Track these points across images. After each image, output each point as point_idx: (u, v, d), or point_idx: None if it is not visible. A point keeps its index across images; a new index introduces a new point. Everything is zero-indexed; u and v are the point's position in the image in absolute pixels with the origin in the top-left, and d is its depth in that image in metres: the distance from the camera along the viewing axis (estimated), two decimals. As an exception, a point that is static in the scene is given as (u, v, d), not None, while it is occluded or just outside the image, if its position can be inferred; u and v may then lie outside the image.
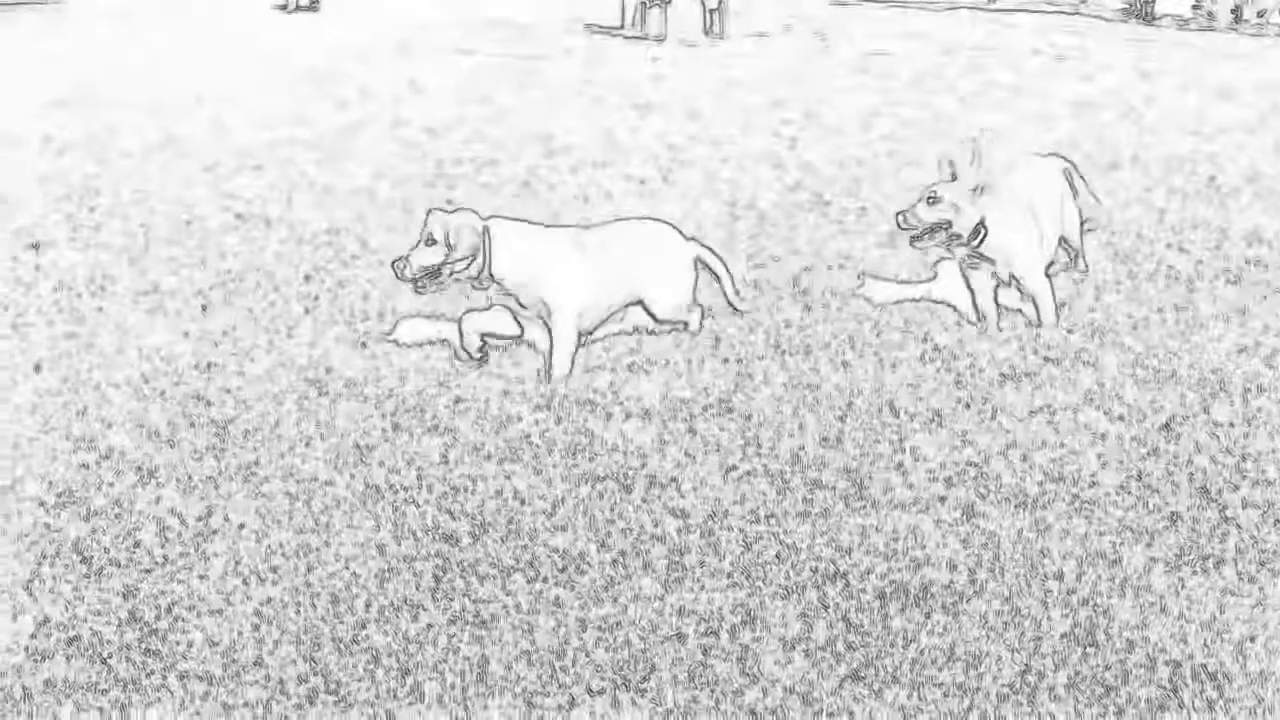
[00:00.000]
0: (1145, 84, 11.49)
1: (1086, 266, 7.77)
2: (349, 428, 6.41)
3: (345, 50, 11.98)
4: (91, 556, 5.59)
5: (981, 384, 6.80)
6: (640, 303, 7.06)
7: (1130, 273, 7.86)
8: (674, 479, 6.10)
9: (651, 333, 7.15)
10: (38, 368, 6.84)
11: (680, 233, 7.15)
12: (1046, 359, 6.98)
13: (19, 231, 8.24)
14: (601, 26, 12.27)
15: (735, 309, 7.23)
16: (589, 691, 4.97)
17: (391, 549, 5.66)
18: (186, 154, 9.49)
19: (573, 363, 6.87)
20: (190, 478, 6.06)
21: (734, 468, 6.18)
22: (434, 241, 6.69)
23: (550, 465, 6.17)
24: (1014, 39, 13.07)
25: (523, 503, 5.94)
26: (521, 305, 6.88)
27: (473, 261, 6.73)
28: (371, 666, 5.10)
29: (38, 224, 8.34)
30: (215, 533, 5.74)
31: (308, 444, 6.29)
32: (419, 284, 6.74)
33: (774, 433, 6.43)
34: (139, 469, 6.11)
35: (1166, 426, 6.46)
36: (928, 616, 5.34)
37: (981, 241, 7.04)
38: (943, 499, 5.99)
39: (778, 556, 5.66)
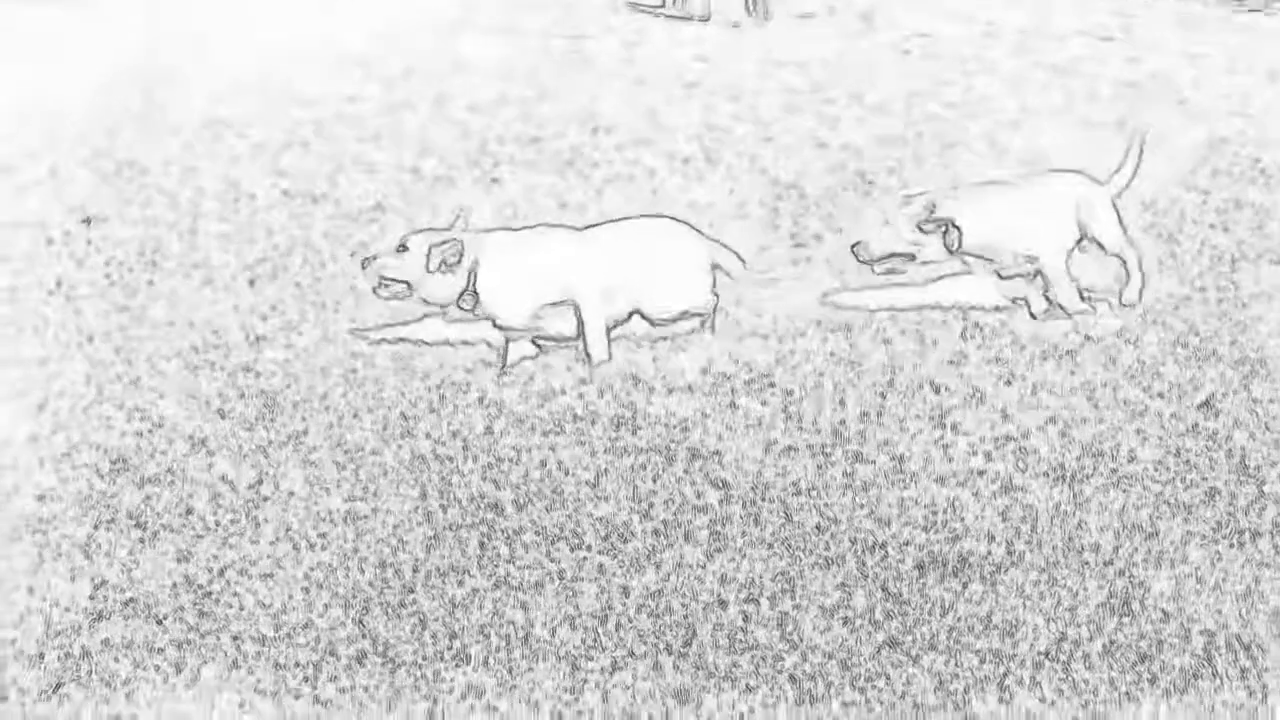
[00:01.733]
0: (1192, 66, 11.48)
1: (1135, 297, 7.42)
2: (395, 400, 6.51)
3: (391, 29, 12.07)
4: (146, 522, 5.71)
5: (1022, 361, 6.85)
6: (638, 311, 6.85)
7: (1173, 253, 7.89)
8: (716, 451, 6.19)
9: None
10: (90, 339, 6.97)
11: (696, 231, 7.03)
12: (1087, 337, 7.03)
13: (71, 207, 8.36)
14: (644, 6, 12.33)
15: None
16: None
17: (438, 517, 5.76)
18: (234, 131, 9.60)
19: (609, 345, 6.81)
20: (241, 447, 6.18)
21: (775, 441, 6.26)
22: (405, 250, 6.64)
23: (594, 437, 6.27)
24: (1059, 20, 13.06)
25: (566, 473, 6.04)
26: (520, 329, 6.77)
27: (457, 284, 6.62)
28: (419, 629, 5.21)
29: (89, 199, 8.46)
30: (266, 500, 5.85)
31: (355, 415, 6.40)
32: (379, 289, 6.69)
33: (815, 408, 6.50)
34: (191, 438, 6.23)
35: (1206, 404, 6.51)
36: (965, 586, 5.42)
37: (959, 245, 7.04)
38: (981, 473, 6.06)
39: (818, 527, 5.74)
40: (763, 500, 5.90)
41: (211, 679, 5.02)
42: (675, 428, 6.35)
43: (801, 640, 5.21)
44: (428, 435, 6.27)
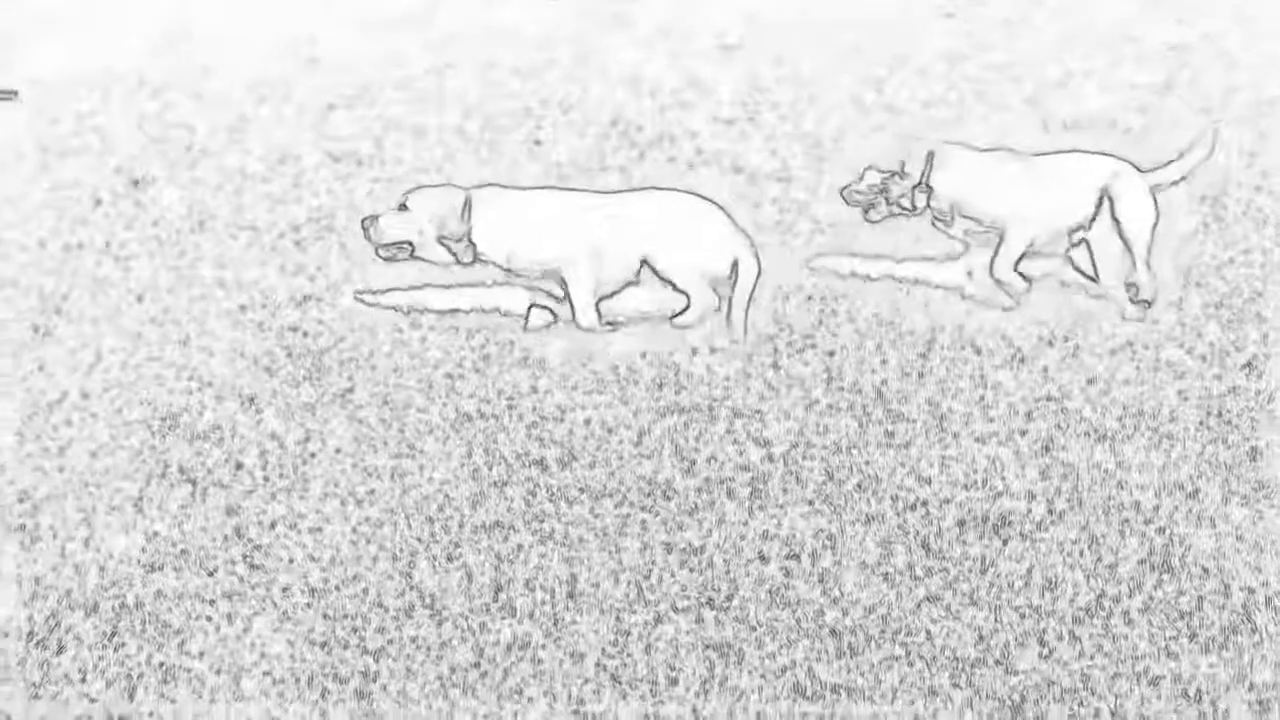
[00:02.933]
0: (1240, 28, 11.41)
1: (1148, 301, 7.05)
2: (440, 359, 6.58)
3: (435, -7, 12.09)
4: (196, 478, 5.80)
5: (1064, 321, 6.87)
6: (649, 265, 6.76)
7: (1216, 215, 7.88)
8: (758, 410, 6.24)
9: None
10: (140, 298, 7.05)
11: (726, 216, 6.94)
12: (1131, 300, 7.03)
13: (119, 169, 8.44)
14: (688, -30, 12.32)
15: (728, 330, 6.70)
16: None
17: (483, 473, 5.84)
18: (280, 93, 9.67)
19: (599, 311, 6.71)
20: (289, 405, 6.26)
21: (816, 401, 6.31)
22: (405, 209, 6.70)
23: (637, 396, 6.33)
24: (1104, -18, 12.98)
25: (610, 431, 6.10)
26: (521, 275, 6.78)
27: (455, 240, 6.66)
28: (465, 583, 5.29)
29: (136, 161, 8.54)
30: (314, 456, 5.93)
31: (400, 374, 6.47)
32: (382, 251, 6.74)
33: (856, 368, 6.54)
34: (239, 396, 6.31)
35: (1248, 365, 6.51)
36: (1005, 543, 5.47)
37: (929, 201, 6.99)
38: (1023, 432, 6.10)
39: (859, 485, 5.79)
40: (804, 459, 5.95)
41: (262, 629, 5.11)
42: (716, 386, 6.40)
43: (842, 595, 5.26)
44: (472, 395, 6.34)
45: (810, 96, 9.54)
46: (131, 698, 4.84)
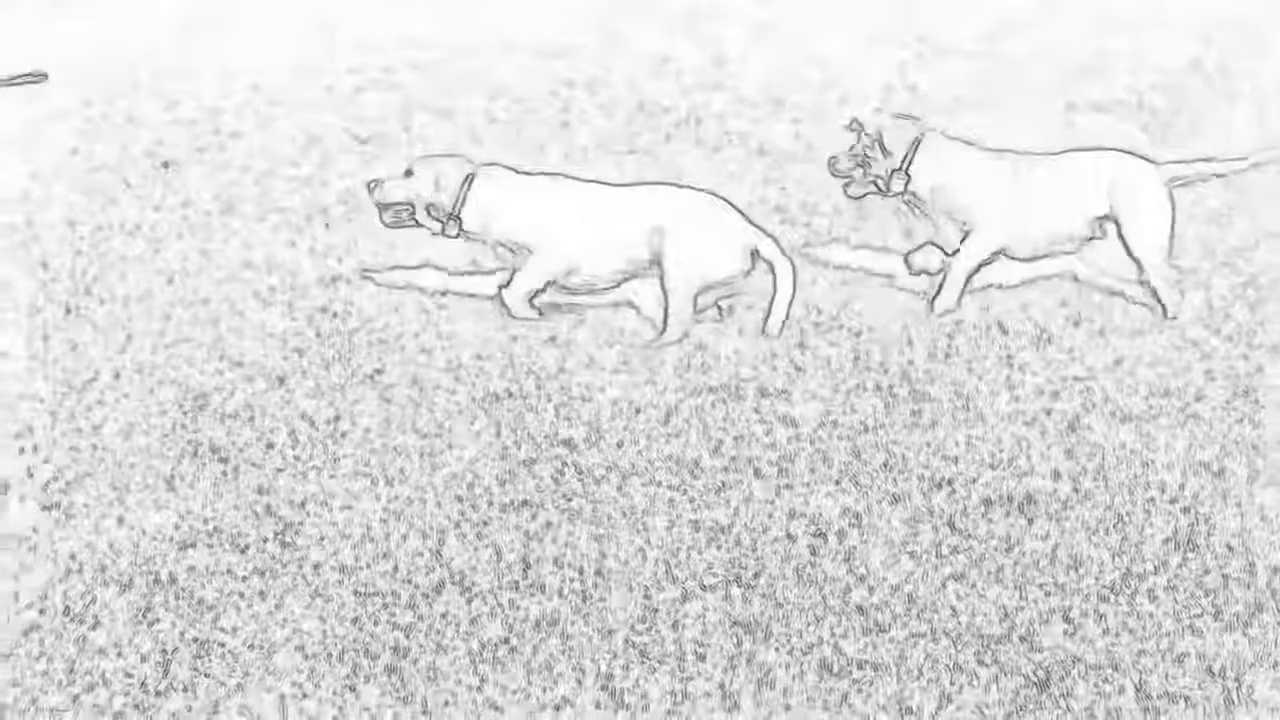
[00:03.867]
0: (1273, 4, 11.37)
1: (1164, 309, 6.78)
2: (468, 339, 6.63)
3: (461, -24, 12.12)
4: (228, 457, 5.86)
5: (1090, 303, 6.88)
6: (656, 264, 6.65)
7: (1244, 198, 7.87)
8: (784, 390, 6.27)
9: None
10: (170, 279, 7.11)
11: (738, 212, 6.81)
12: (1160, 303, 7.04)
13: (148, 151, 8.49)
14: (714, -48, 12.32)
15: (764, 331, 6.61)
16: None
17: (512, 452, 5.88)
18: (308, 75, 9.71)
19: (530, 304, 6.61)
20: (318, 385, 6.31)
21: (843, 381, 6.34)
22: (410, 174, 6.75)
23: (664, 375, 6.36)
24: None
25: (638, 411, 6.14)
26: (503, 254, 6.74)
27: (441, 213, 6.66)
28: (495, 560, 5.34)
29: (163, 144, 8.59)
30: (344, 435, 5.99)
31: (429, 354, 6.52)
32: (385, 214, 6.78)
33: (883, 349, 6.57)
34: (269, 376, 6.37)
35: (1276, 346, 6.52)
36: (1031, 522, 5.49)
37: (906, 187, 6.82)
38: (1049, 412, 6.12)
39: (885, 465, 5.82)
40: (830, 438, 5.99)
41: (294, 605, 5.17)
42: (743, 366, 6.43)
43: (869, 573, 5.30)
44: (501, 375, 6.38)
45: (836, 80, 9.55)
46: (166, 672, 4.90)
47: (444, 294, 6.83)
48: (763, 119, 8.93)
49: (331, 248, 7.47)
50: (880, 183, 6.76)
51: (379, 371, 6.39)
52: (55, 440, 5.94)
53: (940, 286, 6.62)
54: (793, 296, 6.62)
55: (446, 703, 4.82)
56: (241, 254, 7.34)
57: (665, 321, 6.51)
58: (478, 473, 5.77)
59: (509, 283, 6.66)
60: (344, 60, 9.95)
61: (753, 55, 9.98)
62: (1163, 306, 6.71)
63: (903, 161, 6.74)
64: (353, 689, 4.85)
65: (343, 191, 8.16)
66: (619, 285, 6.68)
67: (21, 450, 5.86)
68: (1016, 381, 6.33)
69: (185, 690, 4.84)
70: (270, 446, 5.92)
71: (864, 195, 6.83)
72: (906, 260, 6.85)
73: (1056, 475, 5.73)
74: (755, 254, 6.68)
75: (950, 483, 5.71)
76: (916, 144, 6.79)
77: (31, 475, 5.72)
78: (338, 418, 6.09)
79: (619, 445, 5.94)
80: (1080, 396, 6.22)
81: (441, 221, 6.69)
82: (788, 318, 6.62)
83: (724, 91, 9.36)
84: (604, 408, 6.17)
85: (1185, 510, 5.50)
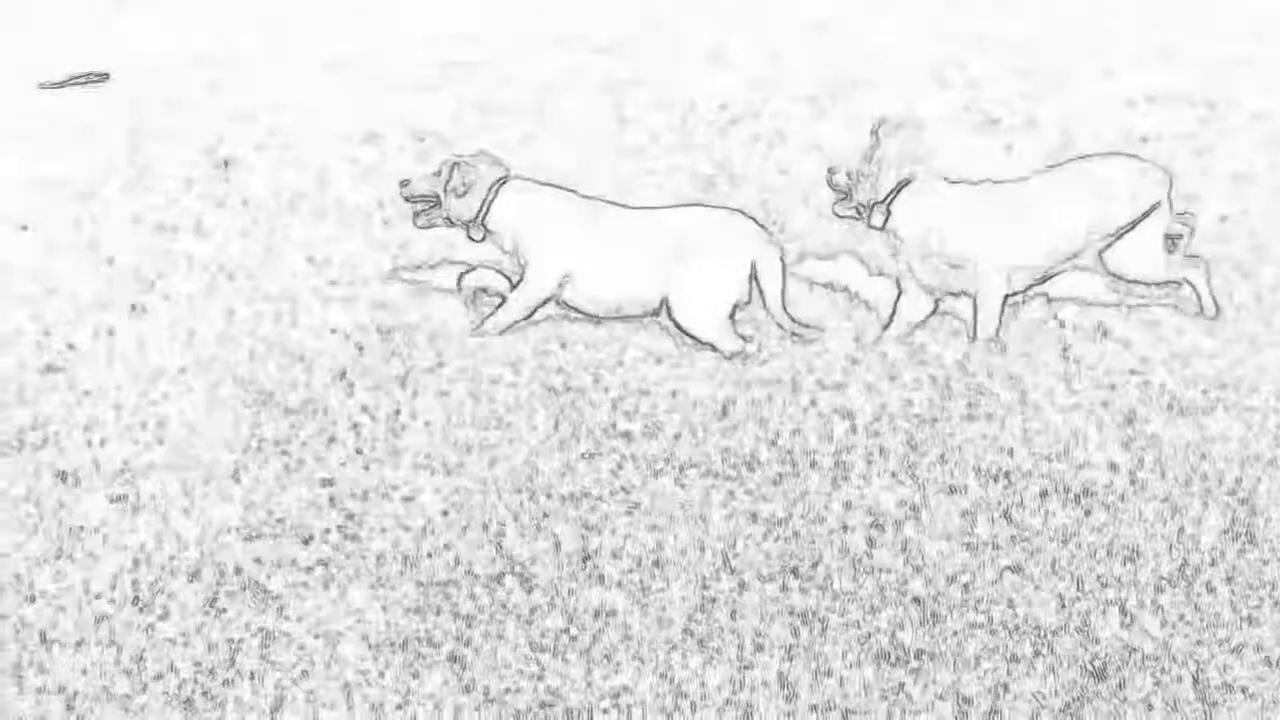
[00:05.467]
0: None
1: (1205, 305, 6.71)
2: (528, 332, 6.69)
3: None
4: (290, 449, 5.95)
5: (1147, 295, 6.88)
6: (667, 306, 6.57)
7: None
8: (840, 383, 6.31)
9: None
10: (231, 276, 7.20)
11: (755, 225, 6.61)
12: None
13: (207, 149, 8.59)
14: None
15: (780, 325, 6.61)
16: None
17: (570, 445, 5.94)
18: (363, 74, 9.80)
19: (507, 328, 6.63)
20: (379, 378, 6.39)
21: (899, 374, 6.37)
22: (439, 173, 6.79)
23: (721, 369, 6.41)
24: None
25: (695, 404, 6.19)
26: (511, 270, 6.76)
27: (474, 209, 6.67)
28: (554, 551, 5.40)
29: (223, 141, 8.69)
30: (404, 428, 6.06)
31: (487, 348, 6.59)
32: (415, 211, 6.79)
33: (939, 341, 6.59)
34: (330, 370, 6.45)
35: (1331, 338, 6.52)
36: (1088, 514, 5.52)
37: (884, 223, 6.63)
38: (1105, 404, 6.13)
39: (942, 457, 5.85)
40: (886, 430, 6.02)
41: (357, 595, 5.25)
42: (799, 359, 6.47)
43: (925, 564, 5.33)
44: (559, 369, 6.44)
45: (891, 74, 9.56)
46: (233, 661, 4.99)
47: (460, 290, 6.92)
48: (817, 113, 8.96)
49: (389, 243, 7.55)
50: (861, 211, 6.71)
51: (439, 365, 6.46)
52: (122, 433, 6.04)
53: (974, 320, 6.57)
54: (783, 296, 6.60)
55: (507, 691, 4.88)
56: (302, 250, 7.42)
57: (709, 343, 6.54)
58: (537, 465, 5.84)
59: (496, 309, 6.68)
60: (401, 58, 10.04)
61: (807, 51, 10.00)
62: (1210, 299, 6.69)
63: (886, 197, 6.64)
64: (415, 677, 4.93)
65: (399, 187, 8.23)
66: (638, 314, 6.67)
67: (89, 443, 5.97)
68: (1073, 374, 6.34)
69: (252, 678, 4.93)
70: (333, 440, 6.00)
71: (846, 218, 6.79)
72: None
73: (1113, 467, 5.75)
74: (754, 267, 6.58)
75: (1007, 474, 5.74)
76: (901, 186, 6.65)
77: (99, 468, 5.83)
78: (398, 411, 6.17)
79: (676, 438, 6.00)
80: (1137, 389, 6.24)
81: (466, 225, 6.75)
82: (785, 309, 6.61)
83: (778, 87, 9.39)
84: (661, 401, 6.22)
85: (1243, 502, 5.52)
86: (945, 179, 6.69)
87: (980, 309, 6.54)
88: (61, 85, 9.40)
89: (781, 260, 6.59)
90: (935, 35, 10.30)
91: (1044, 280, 6.67)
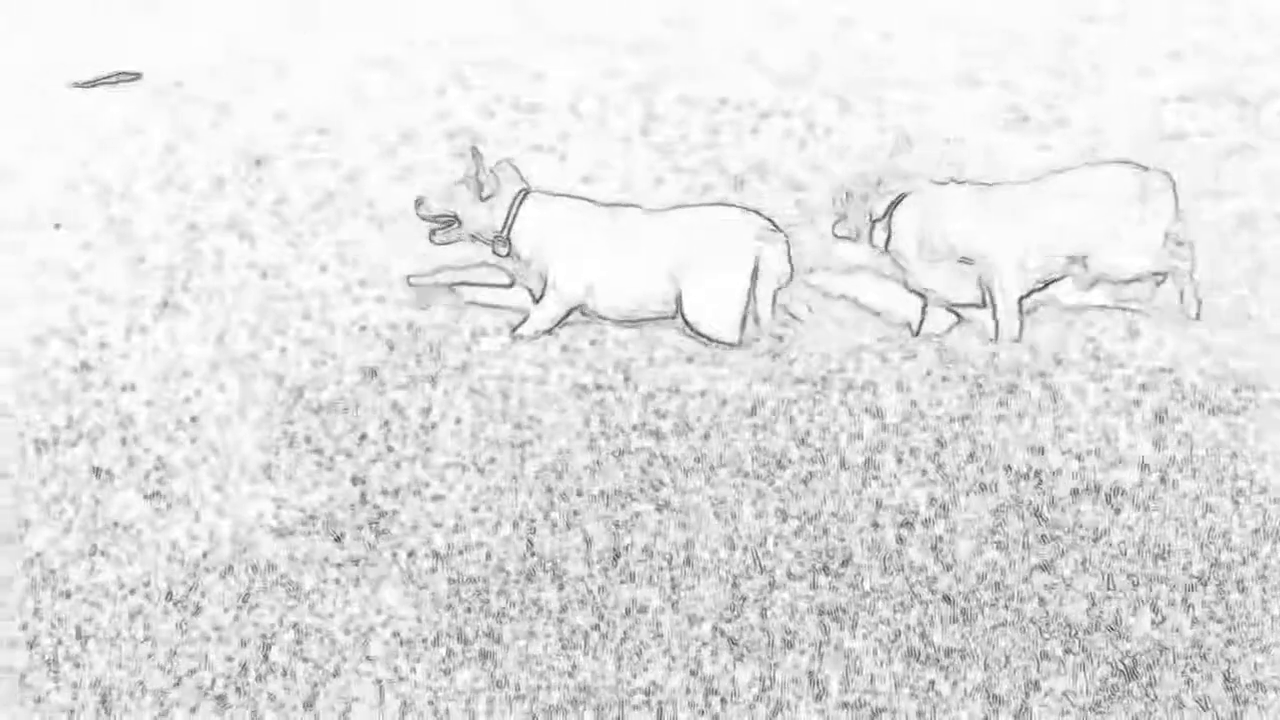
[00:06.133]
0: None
1: (1196, 307, 6.64)
2: (556, 332, 6.71)
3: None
4: (322, 447, 5.97)
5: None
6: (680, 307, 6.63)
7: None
8: (870, 382, 6.31)
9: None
10: (264, 274, 7.24)
11: (762, 222, 6.66)
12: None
13: (240, 149, 8.63)
14: (797, -54, 12.35)
15: (756, 321, 6.62)
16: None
17: (600, 443, 5.96)
18: (396, 72, 9.83)
19: (549, 330, 6.67)
20: (410, 377, 6.42)
21: (929, 372, 6.36)
22: (461, 185, 6.81)
23: (751, 369, 6.42)
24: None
25: (724, 403, 6.20)
26: (531, 286, 6.78)
27: (496, 222, 6.72)
28: (585, 548, 5.42)
29: (256, 141, 8.73)
30: (435, 426, 6.09)
31: (518, 346, 6.61)
32: (434, 228, 6.82)
33: (969, 340, 6.58)
34: (361, 368, 6.48)
35: (1365, 336, 6.49)
36: (1118, 512, 5.50)
37: (887, 243, 6.67)
38: (1137, 403, 6.12)
39: (971, 455, 5.85)
40: (916, 429, 6.02)
41: (389, 592, 5.27)
42: (829, 359, 6.47)
43: (955, 562, 5.33)
44: (589, 366, 6.46)
45: (923, 75, 9.55)
46: (265, 656, 5.02)
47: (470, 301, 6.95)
48: (850, 113, 8.95)
49: (420, 242, 7.57)
50: (859, 232, 6.71)
51: (469, 365, 6.48)
52: (155, 430, 6.07)
53: (995, 323, 6.56)
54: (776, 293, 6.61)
55: (539, 687, 4.90)
56: (333, 249, 7.46)
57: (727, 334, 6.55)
58: (567, 463, 5.85)
59: (522, 321, 6.71)
60: (433, 57, 10.06)
61: (837, 49, 10.00)
62: (1193, 301, 6.63)
63: (885, 212, 6.64)
64: (447, 673, 4.95)
65: (433, 187, 8.25)
66: (655, 317, 6.70)
67: (123, 440, 6.01)
68: (1104, 373, 6.33)
69: (284, 674, 4.96)
70: (364, 437, 6.03)
71: (844, 238, 6.79)
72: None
73: (1144, 466, 5.74)
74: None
75: (1038, 473, 5.73)
76: (897, 201, 6.65)
77: (133, 464, 5.86)
78: (429, 409, 6.19)
79: (706, 437, 6.01)
80: (1168, 388, 6.22)
81: (492, 240, 6.76)
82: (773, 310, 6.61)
83: (809, 85, 9.39)
84: (691, 399, 6.23)
85: (1275, 501, 5.50)
86: (947, 183, 6.69)
87: (999, 308, 6.53)
88: (94, 84, 9.45)
89: (789, 257, 6.60)
90: (965, 33, 10.28)
91: (1047, 285, 6.64)
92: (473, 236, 6.81)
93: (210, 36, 10.29)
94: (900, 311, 6.73)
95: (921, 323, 6.63)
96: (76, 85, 9.41)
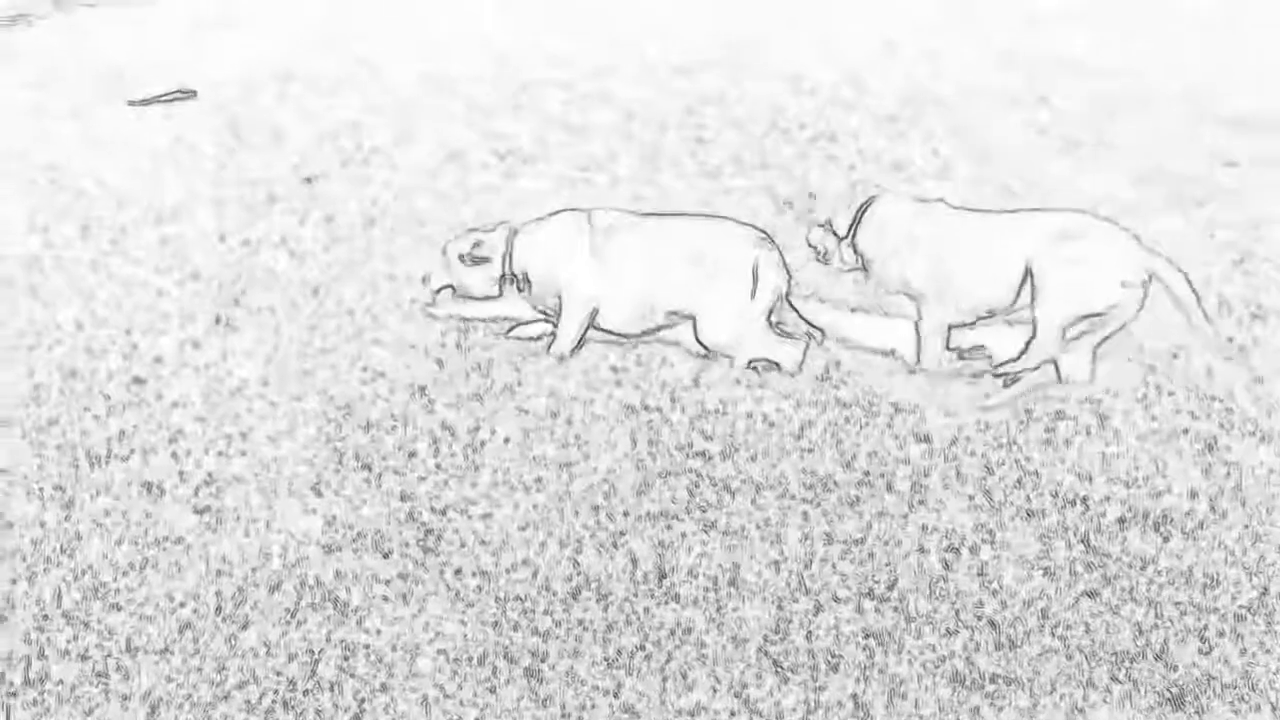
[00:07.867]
0: None
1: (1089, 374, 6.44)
2: (604, 352, 6.73)
3: (597, -6, 12.29)
4: (371, 464, 6.01)
5: (1230, 321, 6.84)
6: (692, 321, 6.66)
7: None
8: (918, 405, 6.31)
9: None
10: (315, 291, 7.29)
11: (760, 236, 6.64)
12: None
13: (293, 167, 8.70)
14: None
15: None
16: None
17: (647, 464, 5.98)
18: (447, 92, 9.89)
19: (578, 342, 6.70)
20: (459, 395, 6.45)
21: (976, 398, 6.36)
22: (444, 255, 6.94)
23: (798, 391, 6.42)
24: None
25: (771, 425, 6.21)
26: (545, 308, 6.82)
27: (495, 274, 6.83)
28: (630, 569, 5.43)
29: (308, 159, 8.80)
30: (483, 444, 6.12)
31: (565, 366, 6.64)
32: (435, 290, 7.01)
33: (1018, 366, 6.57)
34: (410, 386, 6.52)
35: None
36: (1166, 540, 5.48)
37: (859, 263, 6.69)
38: (1185, 431, 6.09)
39: (1019, 481, 5.84)
40: (964, 454, 6.01)
41: (436, 609, 5.30)
42: (878, 382, 6.48)
43: (1001, 588, 5.32)
44: (636, 386, 6.48)
45: (968, 95, 9.56)
46: (313, 672, 5.05)
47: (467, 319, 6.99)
48: (896, 135, 8.96)
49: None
50: (828, 255, 6.78)
51: (517, 384, 6.52)
52: (206, 446, 6.13)
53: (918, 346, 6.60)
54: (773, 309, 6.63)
55: (583, 706, 4.92)
56: (384, 267, 7.51)
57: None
58: (614, 483, 5.87)
59: (552, 340, 6.76)
60: (485, 77, 10.12)
61: (887, 71, 10.01)
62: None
63: (849, 230, 6.68)
64: (493, 691, 4.97)
65: (482, 205, 8.32)
66: (656, 330, 6.73)
67: (174, 455, 6.06)
68: (1152, 399, 6.31)
69: (332, 689, 4.99)
70: (412, 455, 6.07)
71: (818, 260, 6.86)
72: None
73: (1193, 494, 5.72)
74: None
75: (1085, 500, 5.72)
76: (862, 210, 6.67)
77: (184, 479, 5.92)
78: (477, 428, 6.23)
79: (753, 458, 6.02)
80: (1218, 416, 6.19)
81: (512, 286, 6.86)
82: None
83: (859, 108, 9.40)
84: (739, 421, 6.25)
85: (1324, 530, 5.47)
86: (906, 198, 6.72)
87: (921, 333, 6.56)
88: (149, 102, 9.55)
89: (788, 273, 6.63)
90: (1011, 57, 10.27)
91: (978, 321, 6.57)
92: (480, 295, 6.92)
93: (264, 55, 10.38)
94: (886, 340, 6.74)
95: (920, 351, 6.61)
96: (133, 103, 9.52)
